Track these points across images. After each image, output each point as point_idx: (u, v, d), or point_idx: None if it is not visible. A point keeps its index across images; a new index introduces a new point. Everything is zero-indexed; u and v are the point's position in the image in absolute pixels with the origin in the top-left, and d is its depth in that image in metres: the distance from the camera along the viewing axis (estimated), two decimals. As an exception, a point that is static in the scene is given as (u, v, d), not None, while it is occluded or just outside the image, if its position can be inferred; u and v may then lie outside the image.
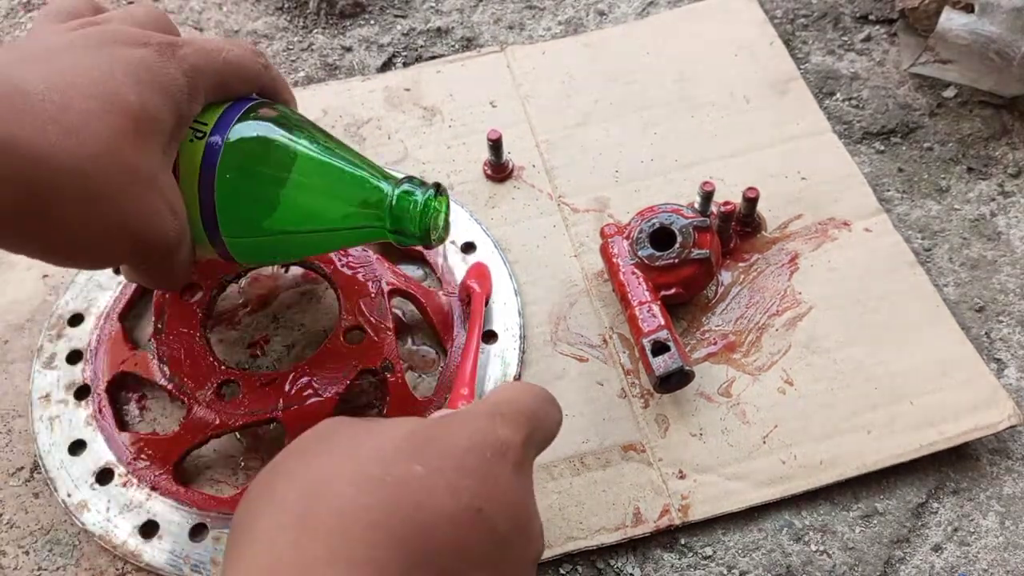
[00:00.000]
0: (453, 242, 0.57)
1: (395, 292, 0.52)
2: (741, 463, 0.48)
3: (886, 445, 0.49)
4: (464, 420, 0.33)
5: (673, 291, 0.52)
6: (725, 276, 0.56)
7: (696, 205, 0.55)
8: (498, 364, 0.52)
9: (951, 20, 0.59)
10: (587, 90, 0.65)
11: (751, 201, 0.55)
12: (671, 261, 0.51)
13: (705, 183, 0.53)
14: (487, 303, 0.53)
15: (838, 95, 0.66)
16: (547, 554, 0.46)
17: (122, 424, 0.51)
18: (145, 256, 0.38)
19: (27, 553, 0.47)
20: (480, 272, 0.54)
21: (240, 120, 0.40)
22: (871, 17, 0.70)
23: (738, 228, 0.57)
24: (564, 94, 0.65)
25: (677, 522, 0.47)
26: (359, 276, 0.52)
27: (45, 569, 0.47)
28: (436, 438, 0.31)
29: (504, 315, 0.54)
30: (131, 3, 0.73)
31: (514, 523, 0.31)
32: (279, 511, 0.29)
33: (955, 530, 0.47)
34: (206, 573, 0.45)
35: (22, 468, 0.50)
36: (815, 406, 0.50)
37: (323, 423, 0.34)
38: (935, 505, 0.48)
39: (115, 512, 0.47)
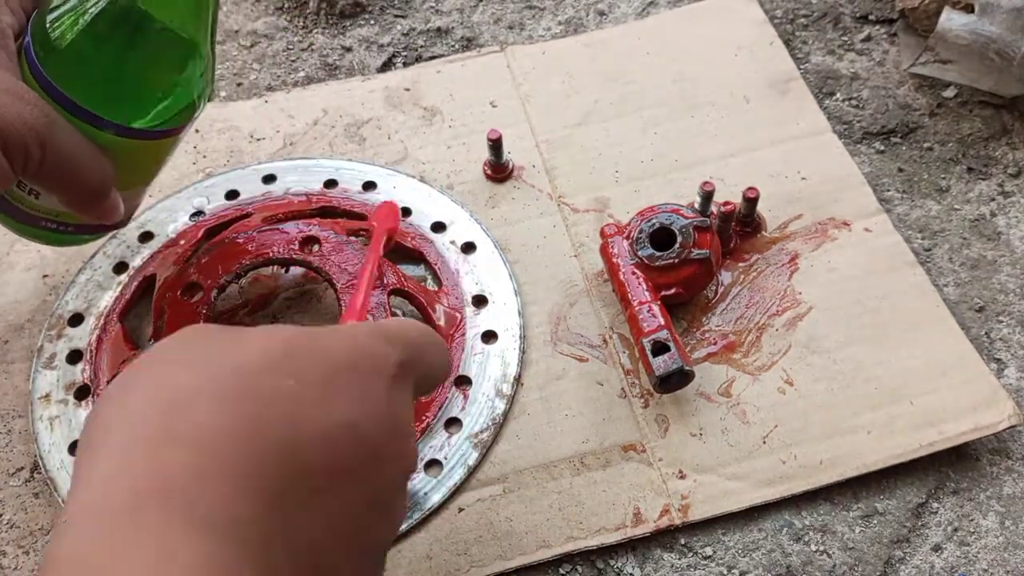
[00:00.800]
0: (453, 242, 0.57)
1: (395, 292, 0.52)
2: (741, 463, 0.48)
3: (886, 445, 0.48)
4: (342, 333, 0.32)
5: (673, 291, 0.52)
6: (725, 276, 0.56)
7: (696, 205, 0.55)
8: (498, 364, 0.52)
9: (951, 20, 0.59)
10: (587, 90, 0.65)
11: (751, 201, 0.55)
12: (671, 261, 0.51)
13: (705, 183, 0.53)
14: (389, 241, 0.53)
15: (838, 95, 0.66)
16: (547, 554, 0.46)
17: None
18: (23, 149, 0.38)
19: (27, 553, 0.47)
20: (386, 210, 0.54)
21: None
22: (871, 17, 0.70)
23: (738, 228, 0.57)
24: (564, 94, 0.65)
25: (677, 522, 0.47)
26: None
27: (45, 569, 0.47)
28: (310, 349, 0.30)
29: (504, 315, 0.54)
30: None
31: (389, 437, 0.30)
32: (134, 424, 0.26)
33: (955, 530, 0.47)
34: None
35: (22, 468, 0.50)
36: (815, 406, 0.50)
37: (186, 329, 0.31)
38: (935, 505, 0.48)
39: None
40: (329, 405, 0.28)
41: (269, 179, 0.60)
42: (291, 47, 0.70)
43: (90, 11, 0.41)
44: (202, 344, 0.30)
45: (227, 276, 0.52)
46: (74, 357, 0.53)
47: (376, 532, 0.31)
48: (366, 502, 0.30)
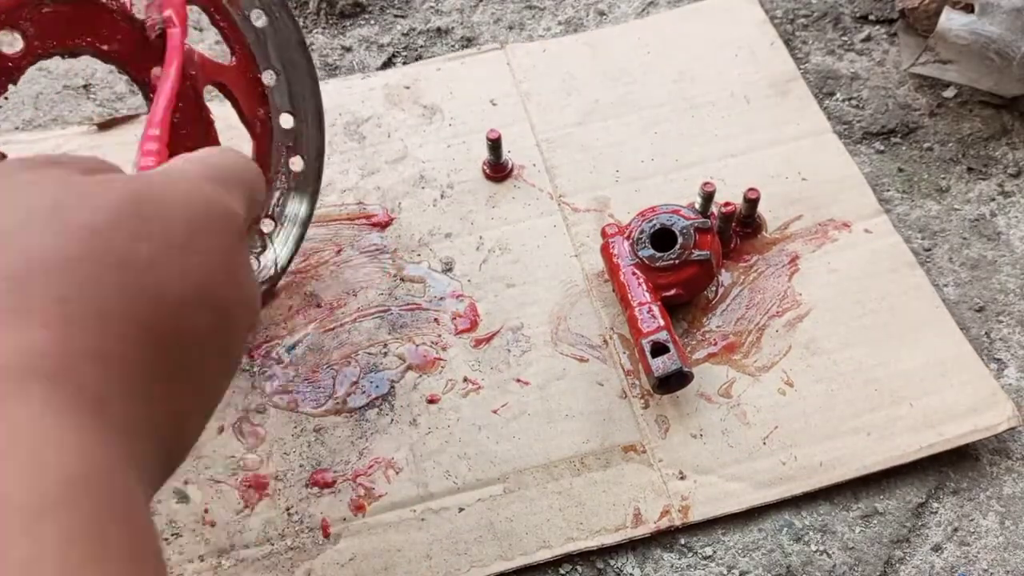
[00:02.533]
0: None
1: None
2: (741, 464, 0.48)
3: (886, 447, 0.49)
4: (187, 188, 0.30)
5: (673, 292, 0.52)
6: (725, 277, 0.56)
7: (696, 206, 0.54)
8: None
9: (951, 20, 0.59)
10: (587, 89, 0.65)
11: (752, 202, 0.55)
12: (671, 262, 0.51)
13: (706, 184, 0.53)
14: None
15: (838, 95, 0.66)
16: (547, 554, 0.46)
17: None
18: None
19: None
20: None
21: None
22: (871, 17, 0.70)
23: (738, 229, 0.57)
24: (564, 93, 0.65)
25: (677, 523, 0.47)
26: None
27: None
28: (158, 208, 0.28)
29: None
30: None
31: (239, 293, 0.30)
32: None
33: (955, 530, 0.47)
34: None
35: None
36: (815, 407, 0.50)
37: (7, 168, 0.28)
38: (935, 505, 0.48)
39: None
40: (186, 272, 0.27)
41: None
42: (291, 46, 0.70)
43: None
44: (39, 195, 0.27)
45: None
46: None
47: (222, 382, 0.31)
48: (219, 362, 0.30)
